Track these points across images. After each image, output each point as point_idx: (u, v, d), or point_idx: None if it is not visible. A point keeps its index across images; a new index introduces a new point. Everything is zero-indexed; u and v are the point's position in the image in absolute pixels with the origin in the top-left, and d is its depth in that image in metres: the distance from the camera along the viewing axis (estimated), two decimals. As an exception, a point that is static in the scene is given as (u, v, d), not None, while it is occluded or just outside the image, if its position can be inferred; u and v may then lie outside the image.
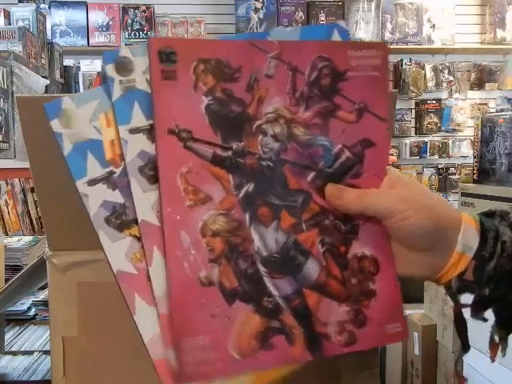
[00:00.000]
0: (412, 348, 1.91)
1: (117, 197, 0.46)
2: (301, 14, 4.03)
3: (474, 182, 1.58)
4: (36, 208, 2.34)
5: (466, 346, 0.50)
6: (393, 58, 4.18)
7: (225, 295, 0.45)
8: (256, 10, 4.01)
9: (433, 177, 4.22)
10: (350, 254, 0.49)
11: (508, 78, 4.20)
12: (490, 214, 0.49)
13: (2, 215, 2.01)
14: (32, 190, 2.32)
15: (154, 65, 0.44)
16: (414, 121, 4.24)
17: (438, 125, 4.20)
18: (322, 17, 4.03)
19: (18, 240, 1.58)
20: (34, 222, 2.31)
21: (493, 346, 0.49)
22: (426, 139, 4.21)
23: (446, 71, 4.18)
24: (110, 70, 0.47)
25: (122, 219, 0.46)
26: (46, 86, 2.17)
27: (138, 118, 0.46)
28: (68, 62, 3.52)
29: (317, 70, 0.47)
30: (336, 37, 0.49)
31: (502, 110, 2.77)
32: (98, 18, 3.89)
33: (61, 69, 2.65)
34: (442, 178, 4.22)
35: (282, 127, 0.47)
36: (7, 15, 2.47)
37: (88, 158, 0.46)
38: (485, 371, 1.39)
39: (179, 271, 0.44)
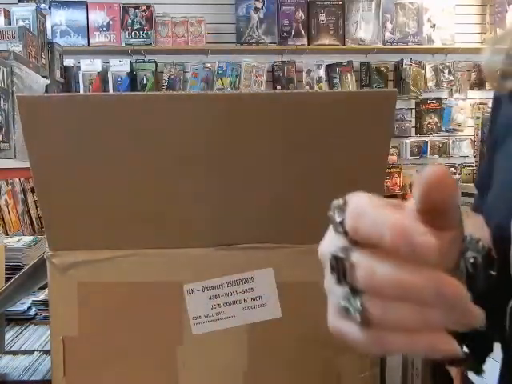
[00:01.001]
0: (412, 348, 1.90)
1: None
2: (301, 13, 4.03)
3: (474, 182, 1.58)
4: (36, 208, 2.34)
5: None
6: (393, 58, 4.18)
7: None
8: (256, 10, 4.01)
9: (433, 177, 4.23)
10: None
11: (508, 77, 4.20)
12: None
13: (2, 215, 2.01)
14: (32, 190, 2.33)
15: None
16: (414, 121, 4.24)
17: (439, 125, 4.20)
18: (322, 17, 4.03)
19: (18, 240, 1.58)
20: (34, 222, 2.31)
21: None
22: (427, 139, 4.21)
23: (447, 71, 4.18)
24: None
25: None
26: (46, 86, 2.17)
27: None
28: (68, 61, 3.52)
29: None
30: None
31: (502, 110, 2.76)
32: (98, 17, 3.89)
33: (61, 69, 2.65)
34: (442, 177, 4.22)
35: None
36: (7, 15, 2.46)
37: None
38: (485, 371, 1.39)
39: None
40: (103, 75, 3.91)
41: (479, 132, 1.58)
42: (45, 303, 1.48)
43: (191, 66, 3.99)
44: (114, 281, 0.78)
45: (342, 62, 4.09)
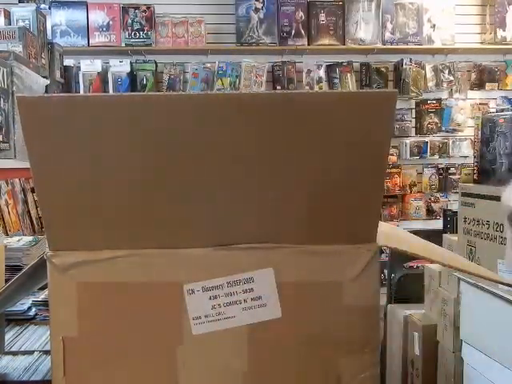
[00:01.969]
0: (412, 348, 1.91)
1: None
2: (301, 14, 4.03)
3: (475, 182, 1.58)
4: (36, 208, 2.34)
5: None
6: (393, 58, 4.18)
7: None
8: (256, 10, 4.01)
9: (433, 177, 4.22)
10: None
11: (508, 77, 4.20)
12: None
13: (2, 215, 2.01)
14: (32, 190, 2.33)
15: None
16: (414, 121, 4.24)
17: (439, 125, 4.20)
18: (322, 17, 4.03)
19: (18, 240, 1.58)
20: (34, 222, 2.31)
21: None
22: (427, 139, 4.21)
23: (447, 71, 4.18)
24: None
25: None
26: (46, 86, 2.17)
27: None
28: (68, 61, 3.52)
29: None
30: None
31: (502, 110, 2.76)
32: (98, 17, 3.89)
33: (61, 69, 2.64)
34: (442, 178, 4.22)
35: None
36: (7, 15, 2.46)
37: None
38: (485, 371, 1.39)
39: None
40: (103, 75, 3.91)
41: (479, 132, 1.58)
42: (45, 303, 1.48)
43: (191, 66, 3.99)
44: (114, 281, 0.78)
45: (341, 63, 4.09)
